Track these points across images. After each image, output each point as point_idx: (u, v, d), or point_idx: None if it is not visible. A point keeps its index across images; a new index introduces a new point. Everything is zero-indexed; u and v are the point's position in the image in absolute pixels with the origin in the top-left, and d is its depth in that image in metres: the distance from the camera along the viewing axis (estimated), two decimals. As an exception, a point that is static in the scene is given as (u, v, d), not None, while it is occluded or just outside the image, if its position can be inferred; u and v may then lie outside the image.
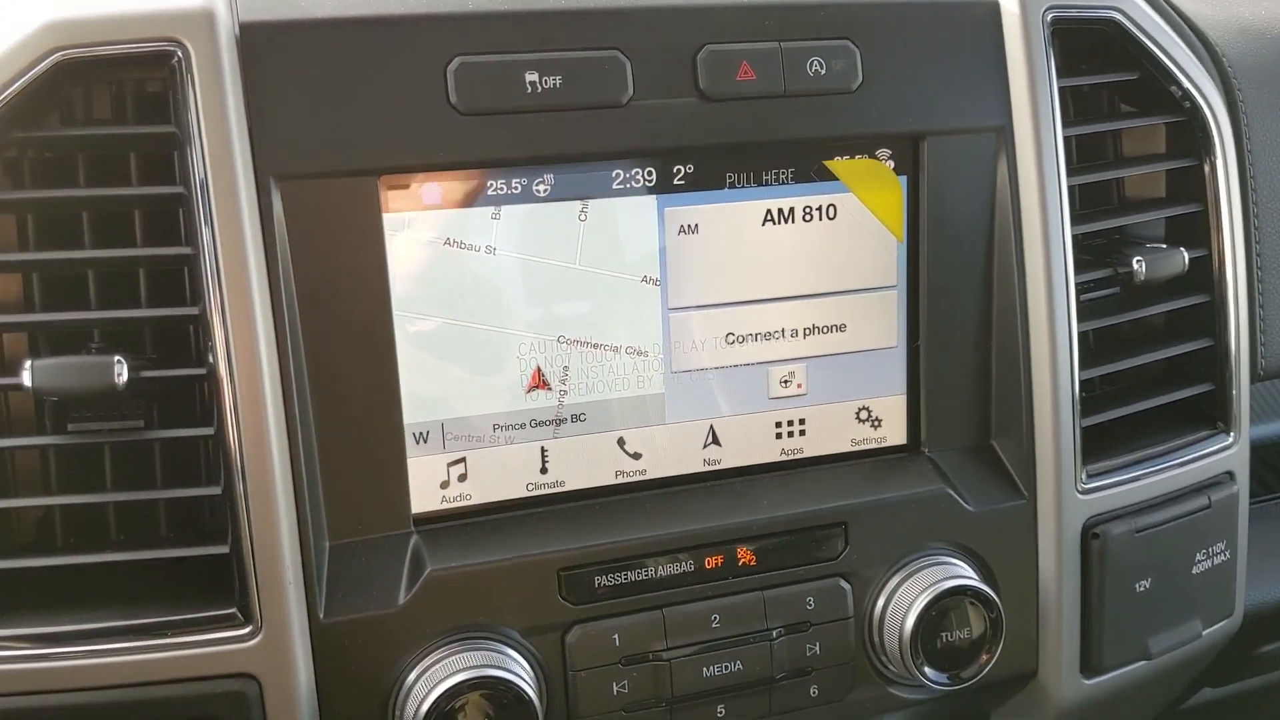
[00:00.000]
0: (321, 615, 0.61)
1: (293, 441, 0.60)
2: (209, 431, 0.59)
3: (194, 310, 0.59)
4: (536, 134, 0.62)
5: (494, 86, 0.61)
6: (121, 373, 0.57)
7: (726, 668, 0.67)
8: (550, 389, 0.66)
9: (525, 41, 0.62)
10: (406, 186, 0.62)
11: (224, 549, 0.59)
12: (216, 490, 0.60)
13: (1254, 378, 0.83)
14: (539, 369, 0.66)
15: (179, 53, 0.57)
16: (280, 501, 0.59)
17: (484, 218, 0.63)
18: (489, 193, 0.63)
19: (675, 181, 0.66)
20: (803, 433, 0.72)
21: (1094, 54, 0.77)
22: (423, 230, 0.63)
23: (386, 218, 0.61)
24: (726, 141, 0.66)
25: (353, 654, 0.61)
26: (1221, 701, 1.01)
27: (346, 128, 0.59)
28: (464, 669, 0.61)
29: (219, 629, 0.59)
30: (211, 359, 0.58)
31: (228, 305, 0.58)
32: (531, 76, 0.62)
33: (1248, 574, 0.83)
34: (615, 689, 0.65)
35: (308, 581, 0.60)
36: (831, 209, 0.69)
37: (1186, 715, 1.00)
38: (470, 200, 0.63)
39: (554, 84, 0.62)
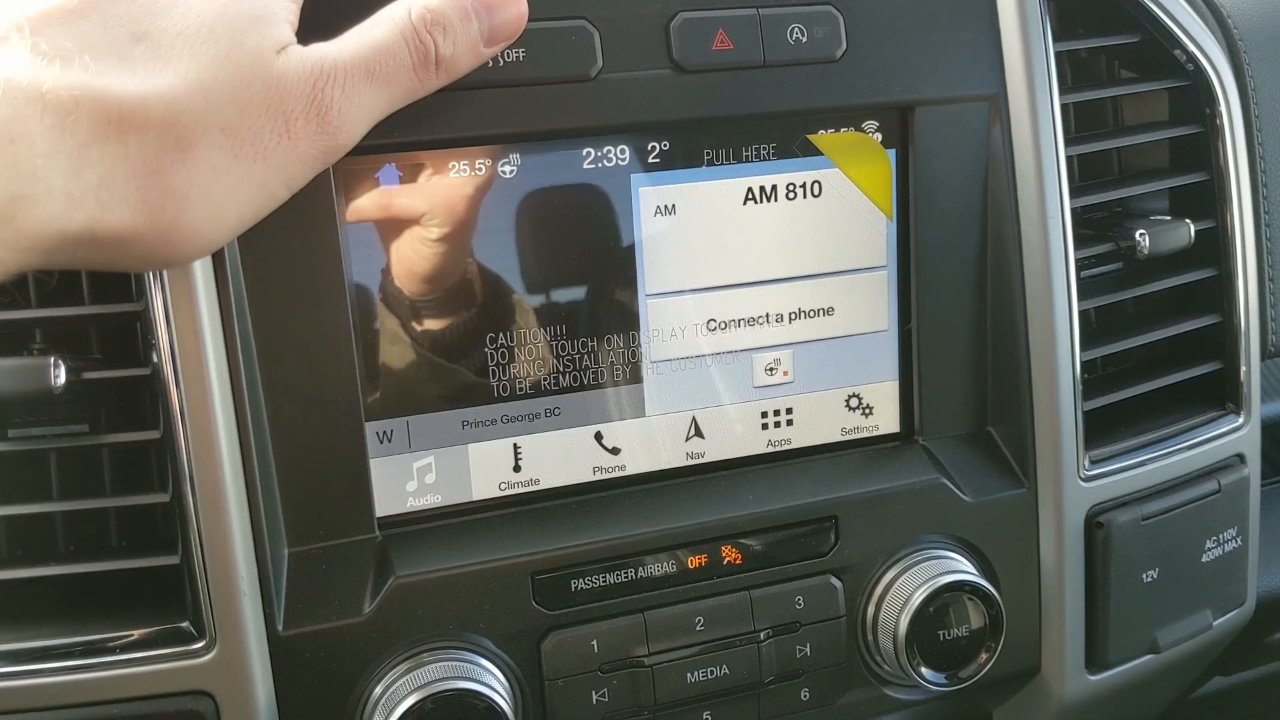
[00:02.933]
0: (280, 627, 0.57)
1: (245, 444, 0.56)
2: (155, 435, 0.56)
3: (137, 307, 0.55)
4: (499, 111, 0.58)
5: (452, 61, 0.57)
6: (59, 374, 0.54)
7: (712, 672, 0.63)
8: (523, 384, 0.63)
9: (485, 12, 0.58)
10: (361, 169, 0.58)
11: (174, 559, 0.56)
12: (165, 497, 0.56)
13: (1265, 355, 0.80)
14: (510, 361, 0.62)
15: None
16: (232, 507, 0.56)
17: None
18: (450, 175, 0.60)
19: (650, 160, 0.62)
20: (790, 422, 0.68)
21: (1092, 16, 0.73)
22: (380, 216, 0.59)
23: (340, 203, 0.58)
24: (703, 116, 0.62)
25: (315, 667, 0.58)
26: (1233, 689, 0.98)
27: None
28: (433, 681, 0.57)
29: (170, 644, 0.56)
30: (156, 358, 0.55)
31: (172, 301, 0.54)
32: (493, 49, 0.58)
33: (1260, 560, 0.79)
34: (594, 698, 0.62)
35: (265, 591, 0.57)
36: (816, 186, 0.65)
37: (1197, 704, 0.97)
38: (431, 181, 0.59)
39: (517, 57, 0.58)
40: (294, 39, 0.49)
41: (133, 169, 0.42)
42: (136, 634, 0.56)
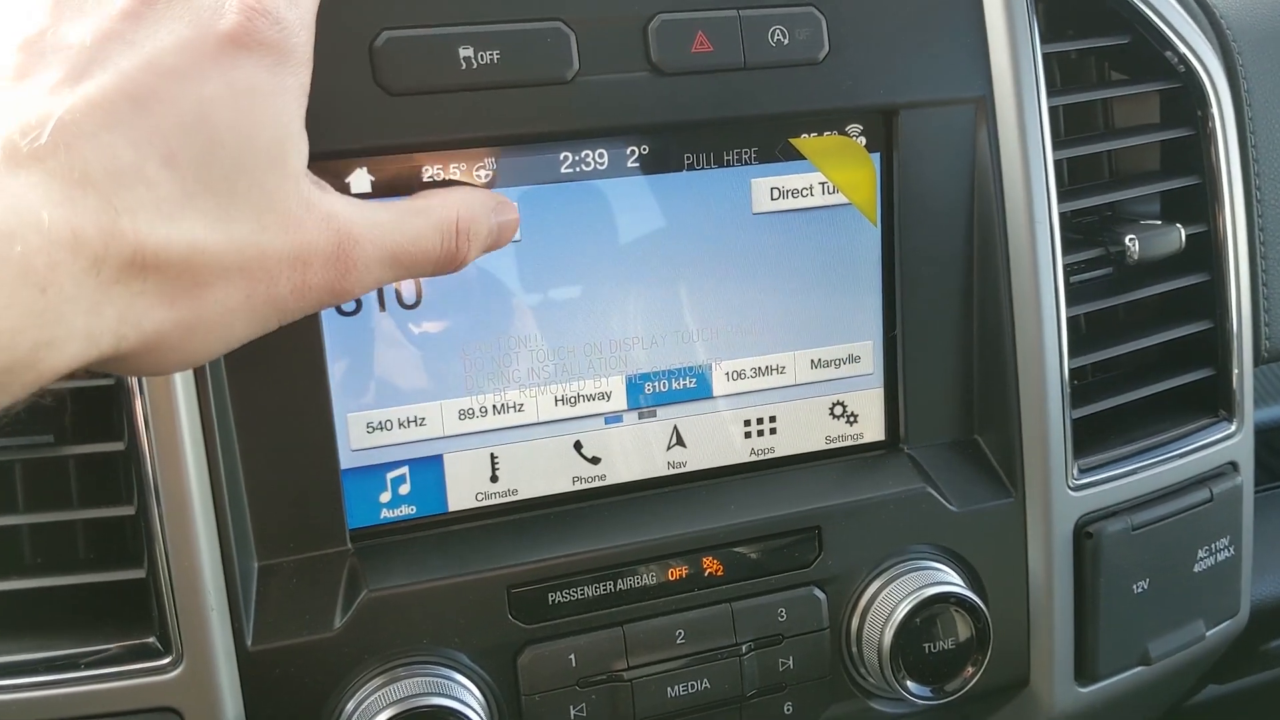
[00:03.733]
0: (249, 642, 0.56)
1: (212, 454, 0.55)
2: (119, 446, 0.55)
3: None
4: (473, 115, 0.57)
5: (425, 63, 0.56)
6: (21, 385, 0.52)
7: (693, 686, 0.62)
8: (500, 392, 0.62)
9: (458, 13, 0.57)
10: (333, 175, 0.57)
11: (140, 573, 0.55)
12: (130, 510, 0.55)
13: (1257, 360, 0.78)
14: (487, 369, 0.61)
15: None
16: (199, 519, 0.54)
17: (419, 207, 0.58)
18: (424, 180, 0.58)
19: (628, 164, 0.61)
20: (773, 431, 0.67)
21: (1081, 17, 0.72)
22: (352, 222, 0.58)
23: (311, 210, 0.56)
24: (683, 119, 0.61)
25: (285, 683, 0.57)
26: (1228, 697, 0.97)
27: (262, 112, 0.54)
28: (406, 697, 0.56)
29: (137, 660, 0.55)
30: (121, 367, 0.53)
31: (137, 309, 0.53)
32: (466, 51, 0.57)
33: (1254, 567, 0.78)
34: (572, 713, 0.60)
35: (234, 605, 0.56)
36: (799, 191, 0.64)
37: (1191, 713, 0.96)
38: (404, 189, 0.58)
39: (491, 59, 0.57)
40: (308, 175, 0.47)
41: (148, 304, 0.41)
42: (102, 649, 0.55)
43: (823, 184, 0.64)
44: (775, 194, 0.64)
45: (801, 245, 0.65)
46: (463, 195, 0.54)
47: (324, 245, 0.46)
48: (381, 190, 0.58)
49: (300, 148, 0.46)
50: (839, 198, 0.65)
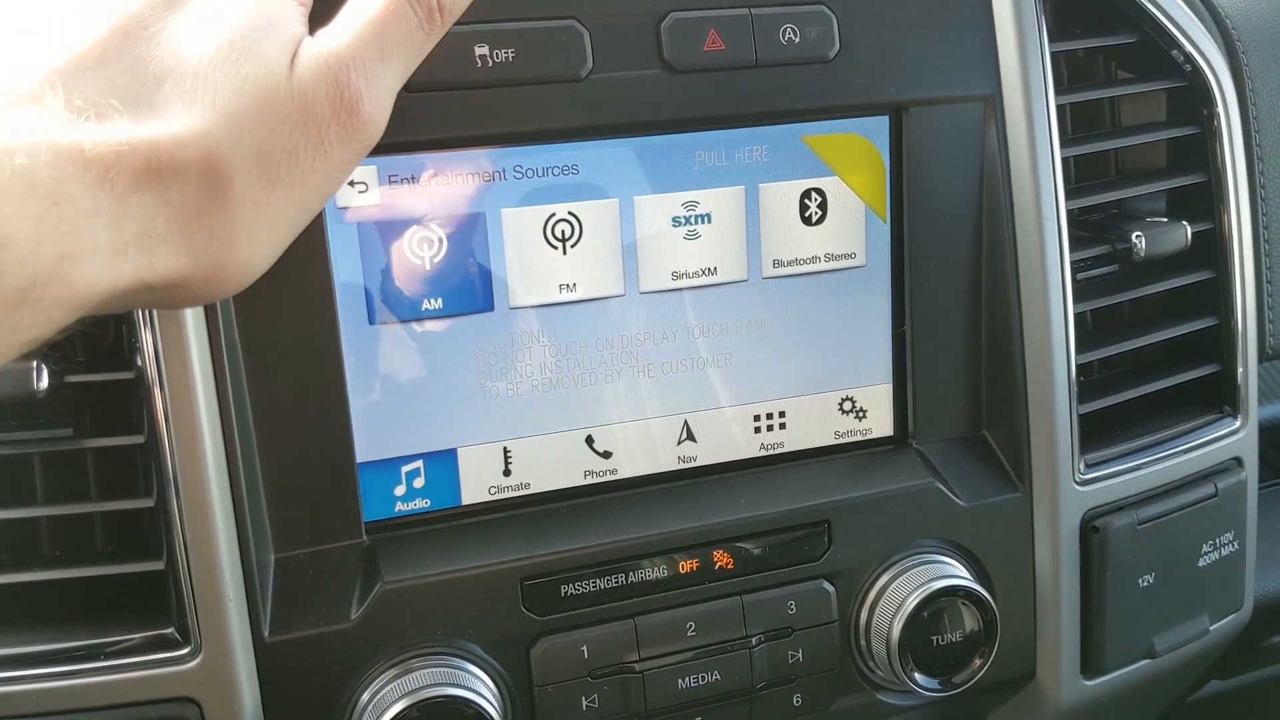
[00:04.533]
0: (266, 633, 0.57)
1: (230, 448, 0.56)
2: (139, 440, 0.55)
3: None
4: (488, 112, 0.58)
5: (440, 60, 0.56)
6: (41, 377, 0.53)
7: (703, 678, 0.63)
8: (513, 386, 0.62)
9: (474, 11, 0.57)
10: (349, 171, 0.57)
11: (159, 565, 0.56)
12: (150, 502, 0.56)
13: (1263, 357, 0.79)
14: (499, 366, 0.62)
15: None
16: (217, 512, 0.55)
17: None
18: (439, 177, 0.59)
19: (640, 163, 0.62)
20: (783, 426, 0.67)
21: (1089, 16, 0.72)
22: (368, 220, 0.58)
23: (328, 207, 0.57)
24: (694, 116, 0.61)
25: (301, 673, 0.57)
26: (1231, 693, 0.97)
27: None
28: (421, 687, 0.57)
29: (156, 650, 0.55)
30: (140, 361, 0.54)
31: (156, 303, 0.53)
32: (481, 49, 0.57)
33: (1257, 563, 0.79)
34: (584, 704, 0.61)
35: (251, 597, 0.56)
36: (809, 187, 0.65)
37: (1194, 707, 0.96)
38: (419, 186, 0.59)
39: (506, 57, 0.58)
40: (306, 35, 0.47)
41: (174, 213, 0.41)
42: (121, 640, 0.55)
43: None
44: (785, 190, 0.64)
45: (812, 239, 0.65)
46: None
47: (322, 88, 0.45)
48: (397, 185, 0.58)
49: (292, 11, 0.46)
50: (851, 194, 0.65)
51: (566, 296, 0.62)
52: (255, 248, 0.44)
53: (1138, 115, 0.76)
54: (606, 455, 0.65)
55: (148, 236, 0.41)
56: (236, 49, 0.43)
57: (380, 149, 0.57)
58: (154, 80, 0.42)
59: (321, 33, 0.47)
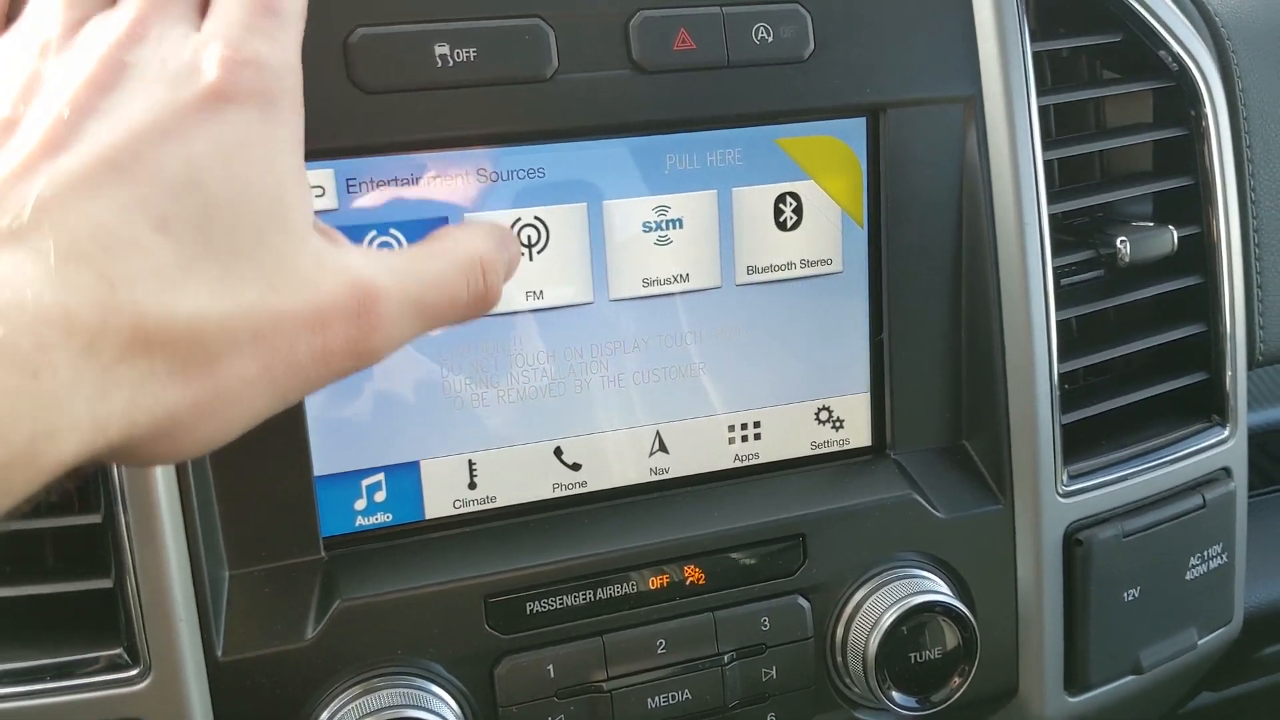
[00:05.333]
0: (220, 653, 0.55)
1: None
2: (86, 453, 0.53)
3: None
4: (450, 113, 0.56)
5: (400, 61, 0.55)
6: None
7: (674, 697, 0.61)
8: (478, 396, 0.60)
9: (435, 10, 0.56)
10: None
11: (107, 583, 0.54)
12: (97, 518, 0.54)
13: (1251, 364, 0.77)
14: (464, 375, 0.60)
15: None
16: (168, 528, 0.53)
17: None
18: (400, 181, 0.57)
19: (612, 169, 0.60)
20: (758, 436, 0.66)
21: (1073, 15, 0.70)
22: (326, 222, 0.56)
23: (283, 211, 0.55)
24: (664, 119, 0.59)
25: (257, 694, 0.55)
26: (1222, 704, 0.96)
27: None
28: (381, 709, 0.55)
29: (104, 671, 0.53)
30: (87, 373, 0.52)
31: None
32: (442, 49, 0.55)
33: (1247, 574, 0.77)
34: (550, 724, 0.59)
35: (203, 616, 0.55)
36: (783, 190, 0.63)
37: (1184, 719, 0.95)
38: (378, 190, 0.57)
39: (468, 57, 0.56)
40: (317, 226, 0.44)
41: (159, 383, 0.38)
42: (67, 660, 0.53)
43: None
44: (758, 193, 0.63)
45: (786, 244, 0.63)
46: (477, 231, 0.50)
47: (343, 301, 0.42)
48: (356, 190, 0.56)
49: (303, 199, 0.43)
50: (826, 198, 0.64)
51: (533, 304, 0.60)
52: (224, 425, 0.41)
53: (1123, 116, 0.74)
54: (576, 467, 0.63)
55: (133, 408, 0.37)
56: (244, 223, 0.40)
57: (338, 152, 0.56)
58: (151, 227, 0.38)
59: (364, 255, 0.45)
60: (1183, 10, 0.74)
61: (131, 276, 0.37)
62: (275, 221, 0.41)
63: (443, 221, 0.58)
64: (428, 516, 0.61)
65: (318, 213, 0.56)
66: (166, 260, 0.38)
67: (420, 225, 0.58)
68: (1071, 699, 0.69)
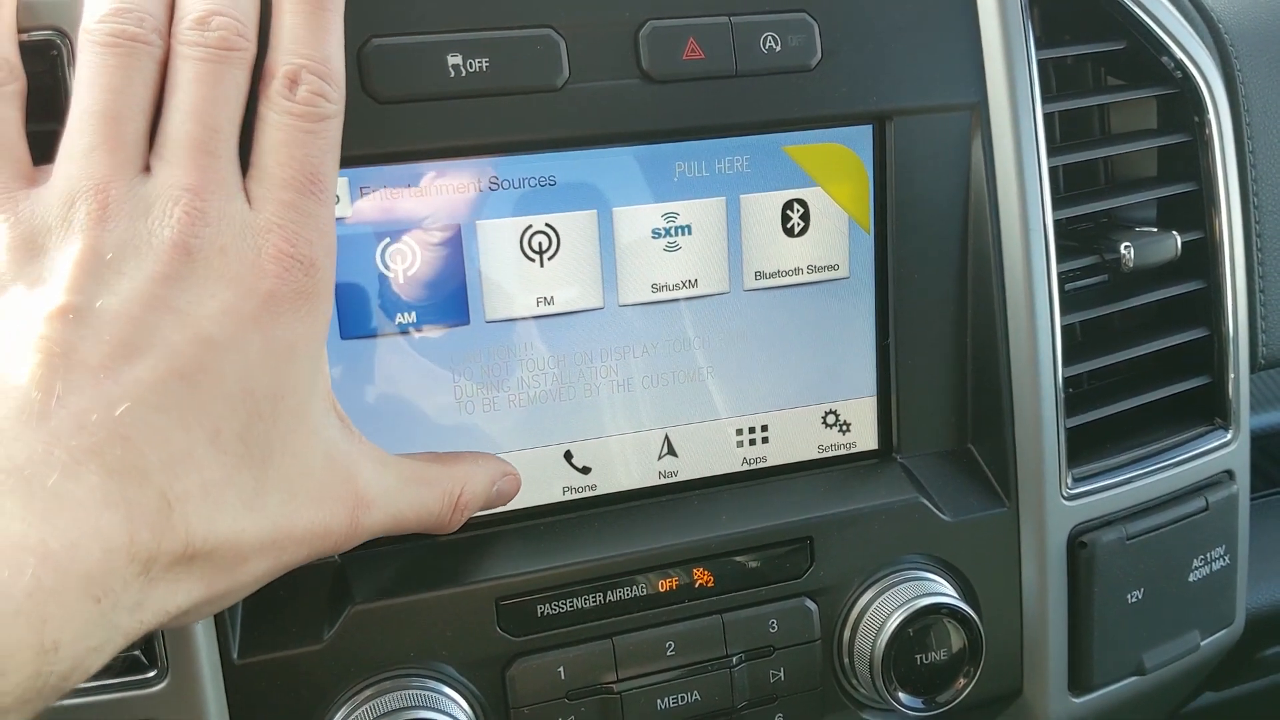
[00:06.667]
0: (235, 656, 0.56)
1: (198, 467, 0.54)
2: (104, 458, 0.54)
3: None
4: (462, 123, 0.57)
5: (413, 71, 0.56)
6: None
7: (683, 698, 0.62)
8: (489, 401, 0.61)
9: (447, 20, 0.56)
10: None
11: (125, 586, 0.54)
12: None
13: (1254, 368, 0.78)
14: (476, 380, 0.61)
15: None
16: (185, 533, 0.54)
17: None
18: (412, 189, 0.58)
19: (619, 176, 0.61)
20: (765, 440, 0.66)
21: (1077, 23, 0.71)
22: (340, 231, 0.57)
23: (297, 219, 0.56)
24: (673, 127, 0.60)
25: (271, 697, 0.56)
26: (1224, 704, 0.96)
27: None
28: (394, 710, 0.56)
29: (120, 674, 0.54)
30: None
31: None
32: (454, 59, 0.56)
33: (1249, 575, 0.77)
34: (561, 726, 0.60)
35: (219, 619, 0.55)
36: (790, 197, 0.63)
37: (1186, 719, 0.95)
38: (391, 198, 0.57)
39: (480, 67, 0.56)
40: (331, 411, 0.49)
41: (187, 588, 0.41)
42: (86, 663, 0.54)
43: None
44: (766, 200, 0.63)
45: (793, 250, 0.64)
46: (470, 468, 0.56)
47: (342, 519, 0.48)
48: (369, 198, 0.57)
49: (325, 385, 0.48)
50: (833, 205, 0.64)
51: (544, 310, 0.61)
52: (226, 604, 0.47)
53: (1127, 123, 0.75)
54: (585, 471, 0.64)
55: (164, 613, 0.41)
56: (275, 428, 0.44)
57: (351, 160, 0.56)
58: (208, 440, 0.41)
59: (368, 454, 0.51)
60: (1186, 17, 0.75)
61: (185, 495, 0.40)
62: (301, 419, 0.45)
63: (455, 229, 0.59)
64: (439, 520, 0.62)
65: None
66: (215, 475, 0.41)
67: (432, 232, 0.58)
68: (1075, 700, 0.70)
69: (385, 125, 0.56)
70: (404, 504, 0.52)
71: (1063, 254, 0.67)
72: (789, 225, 0.64)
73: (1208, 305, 0.73)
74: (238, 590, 0.45)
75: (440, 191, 0.58)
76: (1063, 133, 0.73)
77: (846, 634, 0.64)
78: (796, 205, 0.64)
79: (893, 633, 0.62)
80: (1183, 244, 0.71)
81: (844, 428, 0.68)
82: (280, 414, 0.44)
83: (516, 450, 0.62)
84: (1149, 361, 0.75)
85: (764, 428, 0.66)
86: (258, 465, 0.43)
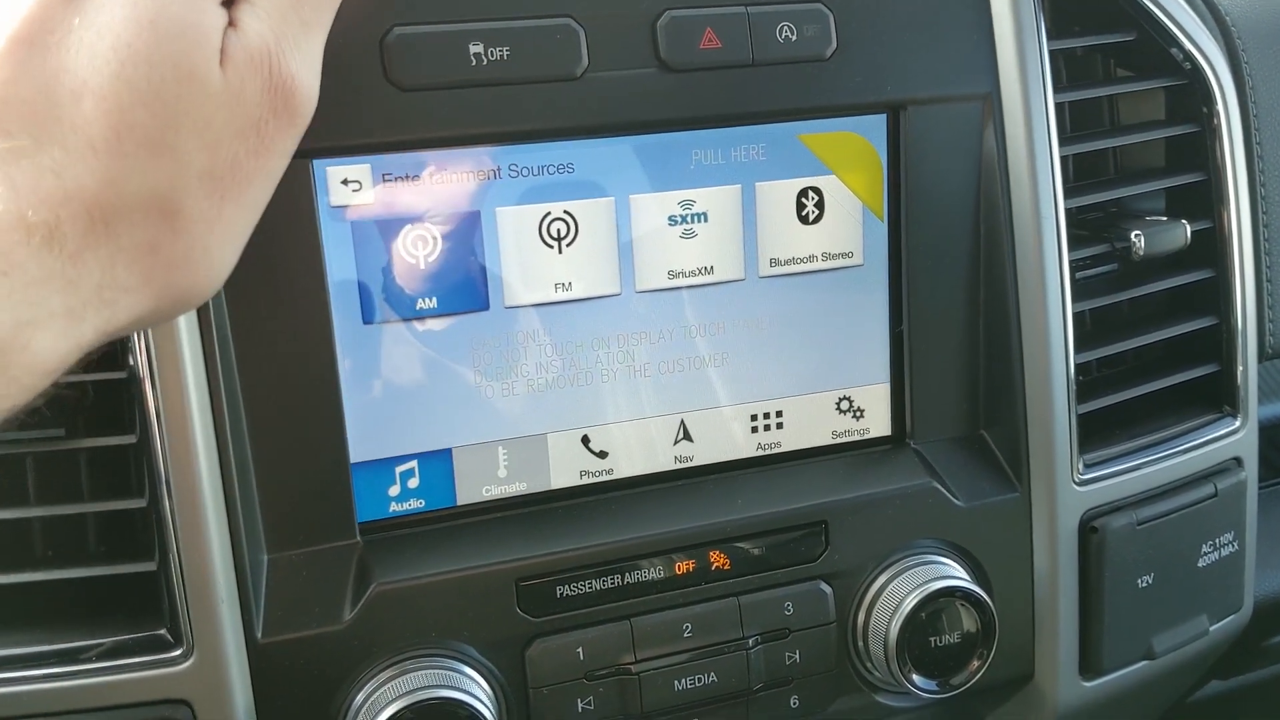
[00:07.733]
0: (259, 634, 0.56)
1: (223, 448, 0.55)
2: (131, 439, 0.55)
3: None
4: (483, 111, 0.57)
5: (435, 59, 0.56)
6: (33, 378, 0.53)
7: (700, 680, 0.62)
8: (508, 385, 0.62)
9: (469, 10, 0.57)
10: (342, 172, 0.57)
11: (151, 566, 0.55)
12: (142, 503, 0.55)
13: (1262, 356, 0.79)
14: (494, 365, 0.61)
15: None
16: (210, 512, 0.55)
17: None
18: (433, 176, 0.58)
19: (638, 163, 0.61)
20: (780, 425, 0.67)
21: (1087, 14, 0.72)
22: (362, 219, 0.58)
23: (321, 204, 0.57)
24: (690, 116, 0.61)
25: (294, 675, 0.57)
26: (1231, 693, 0.97)
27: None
28: (415, 689, 0.56)
29: (147, 652, 0.55)
30: (132, 361, 0.54)
31: (148, 303, 0.53)
32: (476, 48, 0.57)
33: (1257, 563, 0.78)
34: (580, 706, 0.61)
35: (244, 598, 0.56)
36: (806, 186, 0.64)
37: (1194, 708, 0.96)
38: (413, 185, 0.58)
39: (501, 55, 0.57)
40: (226, 22, 0.42)
41: (129, 258, 0.39)
42: (112, 641, 0.55)
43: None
44: (781, 189, 0.64)
45: (808, 238, 0.65)
46: None
47: (254, 84, 0.42)
48: (391, 184, 0.58)
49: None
50: (848, 193, 0.65)
51: (562, 295, 0.62)
52: (216, 263, 0.43)
53: (1137, 113, 0.76)
54: (603, 455, 0.64)
55: (107, 289, 0.39)
56: (158, 59, 0.39)
57: (375, 147, 0.57)
58: (72, 98, 0.38)
59: (237, 18, 0.43)
60: (1194, 10, 0.76)
61: (68, 160, 0.38)
62: (188, 37, 0.40)
63: (475, 216, 0.59)
64: (460, 502, 0.62)
65: (353, 206, 0.57)
66: (95, 128, 0.38)
67: (453, 219, 0.59)
68: (1086, 684, 0.71)
69: (407, 113, 0.56)
70: (304, 23, 0.44)
71: (1074, 243, 0.68)
72: (804, 213, 0.65)
73: (1216, 294, 0.74)
74: (198, 245, 0.41)
75: (460, 179, 0.59)
76: (1073, 123, 0.74)
77: (861, 617, 0.65)
78: (811, 193, 0.64)
79: (907, 616, 0.63)
80: (1191, 233, 0.72)
81: (857, 414, 0.68)
82: (158, 53, 0.40)
83: (534, 434, 0.63)
84: (1158, 349, 0.76)
85: (778, 413, 0.67)
86: (148, 111, 0.39)
